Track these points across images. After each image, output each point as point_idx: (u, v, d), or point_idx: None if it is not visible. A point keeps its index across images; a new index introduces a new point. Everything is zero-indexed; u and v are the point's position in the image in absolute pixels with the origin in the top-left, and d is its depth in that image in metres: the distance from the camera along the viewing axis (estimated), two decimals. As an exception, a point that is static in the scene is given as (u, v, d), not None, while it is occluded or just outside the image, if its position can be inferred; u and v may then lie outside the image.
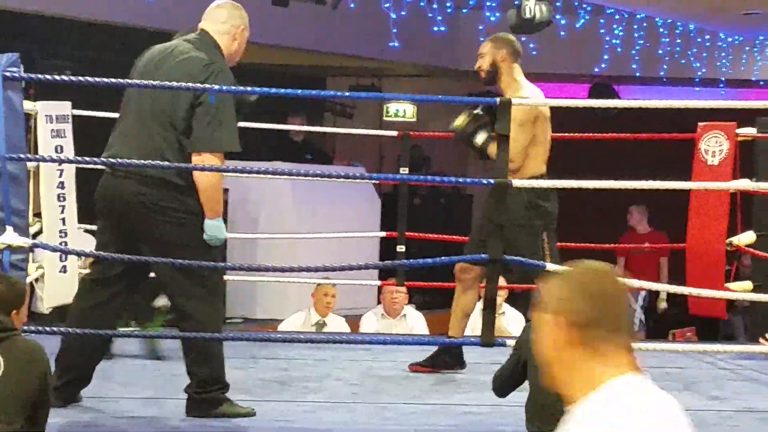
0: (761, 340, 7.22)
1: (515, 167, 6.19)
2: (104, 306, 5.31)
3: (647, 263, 11.43)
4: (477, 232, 6.56)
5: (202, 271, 5.22)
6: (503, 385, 4.70)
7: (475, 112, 6.40)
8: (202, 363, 5.23)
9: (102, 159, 5.36)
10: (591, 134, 8.60)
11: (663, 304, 10.92)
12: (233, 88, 5.39)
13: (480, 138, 6.36)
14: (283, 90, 6.13)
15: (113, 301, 5.35)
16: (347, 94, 6.96)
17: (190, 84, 5.20)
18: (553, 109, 6.55)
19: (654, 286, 7.39)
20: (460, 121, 6.42)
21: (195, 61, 5.26)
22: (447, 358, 6.67)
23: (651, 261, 11.47)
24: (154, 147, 5.16)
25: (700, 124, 7.70)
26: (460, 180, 6.59)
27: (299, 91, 6.35)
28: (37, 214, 6.82)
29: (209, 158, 5.16)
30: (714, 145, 7.59)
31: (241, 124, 8.03)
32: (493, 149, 6.21)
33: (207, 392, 5.23)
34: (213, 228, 5.19)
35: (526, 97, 6.28)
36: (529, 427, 4.49)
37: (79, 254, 5.78)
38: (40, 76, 5.93)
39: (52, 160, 6.17)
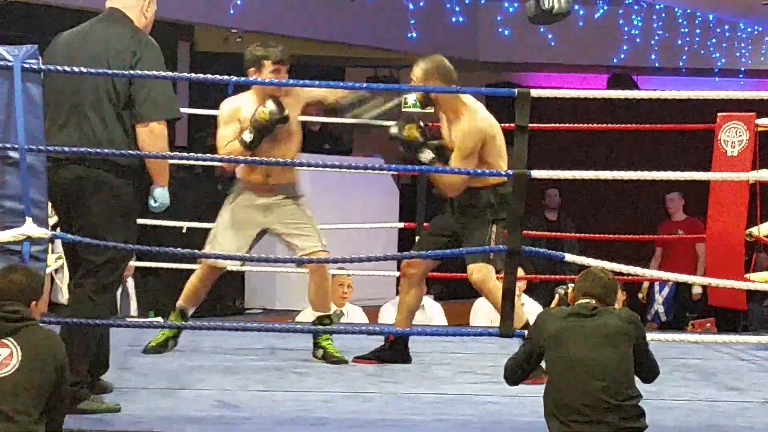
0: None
1: (458, 191, 6.35)
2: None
3: (684, 251, 11.44)
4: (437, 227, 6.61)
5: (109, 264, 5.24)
6: (515, 373, 4.69)
7: (420, 123, 6.44)
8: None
9: (121, 152, 5.38)
10: (610, 125, 8.59)
11: (697, 289, 10.91)
12: (267, 80, 5.38)
13: (425, 157, 6.38)
14: (301, 81, 6.13)
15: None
16: (365, 85, 6.93)
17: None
18: (571, 99, 6.54)
19: (662, 274, 7.36)
20: (409, 132, 6.42)
21: (121, 34, 5.33)
22: (390, 353, 6.60)
23: (687, 248, 11.46)
24: (93, 130, 5.24)
25: (719, 114, 7.68)
26: (479, 171, 6.56)
27: (317, 82, 6.35)
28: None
29: (155, 127, 5.22)
30: (733, 136, 7.57)
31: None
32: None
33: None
34: (162, 195, 5.34)
35: (476, 123, 6.35)
36: (548, 419, 4.48)
37: (98, 245, 5.80)
38: (59, 67, 5.94)
39: (71, 151, 6.16)
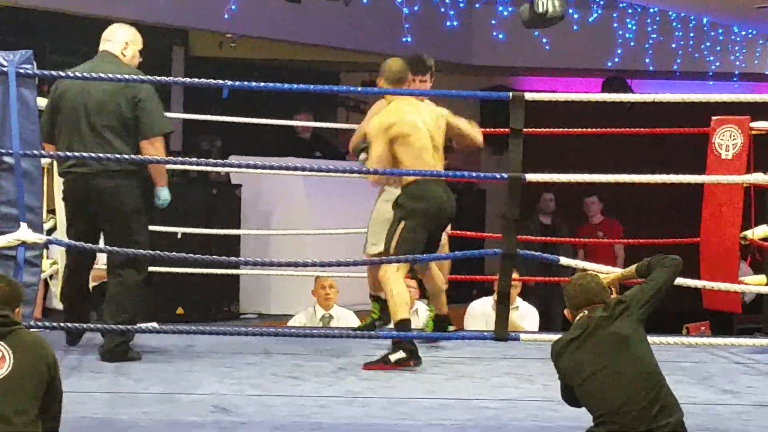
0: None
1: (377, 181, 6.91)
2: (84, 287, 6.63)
3: (604, 251, 11.92)
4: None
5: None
6: (569, 401, 4.70)
7: None
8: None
9: (118, 156, 5.51)
10: (604, 129, 8.59)
11: None
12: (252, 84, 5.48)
13: (361, 157, 6.80)
14: (295, 86, 6.14)
15: (84, 279, 6.64)
16: (359, 89, 6.96)
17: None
18: (566, 103, 6.54)
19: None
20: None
21: (121, 73, 6.31)
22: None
23: (607, 249, 12.10)
24: (114, 147, 6.28)
25: (713, 118, 7.68)
26: (473, 175, 6.59)
27: (311, 86, 6.36)
28: (51, 211, 6.85)
29: (157, 141, 6.36)
30: (727, 139, 7.58)
31: (251, 120, 8.11)
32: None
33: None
34: (164, 193, 6.45)
35: (384, 117, 6.70)
36: None
37: (92, 249, 5.80)
38: (53, 72, 5.95)
39: (66, 157, 6.19)
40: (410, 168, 6.62)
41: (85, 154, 6.11)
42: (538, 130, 7.80)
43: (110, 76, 6.22)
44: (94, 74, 6.22)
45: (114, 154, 6.25)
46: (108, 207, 6.36)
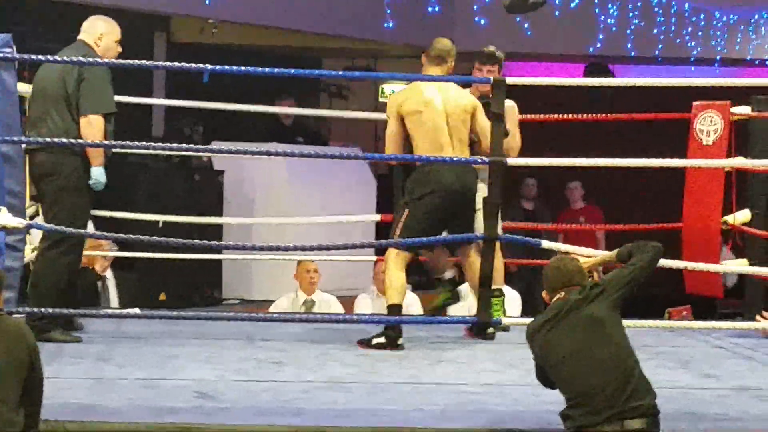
0: (758, 317, 7.21)
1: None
2: None
3: (585, 237, 11.82)
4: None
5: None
6: (543, 381, 4.72)
7: None
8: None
9: (105, 142, 5.54)
10: (586, 115, 8.60)
11: None
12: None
13: None
14: (276, 69, 6.12)
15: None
16: (340, 73, 6.93)
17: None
18: (548, 88, 6.54)
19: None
20: None
21: (76, 55, 6.49)
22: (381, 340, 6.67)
23: (589, 235, 12.00)
24: (56, 124, 6.41)
25: (694, 103, 7.69)
26: (455, 159, 6.58)
27: (292, 70, 6.34)
28: (35, 197, 6.83)
29: (94, 118, 6.41)
30: (708, 125, 7.59)
31: (233, 106, 8.09)
32: None
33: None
34: (99, 174, 6.43)
35: (398, 94, 6.78)
36: (563, 419, 4.52)
37: (74, 234, 5.78)
38: (33, 56, 5.95)
39: (46, 143, 6.17)
40: (422, 148, 6.56)
41: (63, 140, 6.12)
42: (521, 116, 7.79)
43: (80, 59, 6.35)
44: (58, 57, 6.36)
45: (52, 129, 6.37)
46: (44, 182, 6.43)
